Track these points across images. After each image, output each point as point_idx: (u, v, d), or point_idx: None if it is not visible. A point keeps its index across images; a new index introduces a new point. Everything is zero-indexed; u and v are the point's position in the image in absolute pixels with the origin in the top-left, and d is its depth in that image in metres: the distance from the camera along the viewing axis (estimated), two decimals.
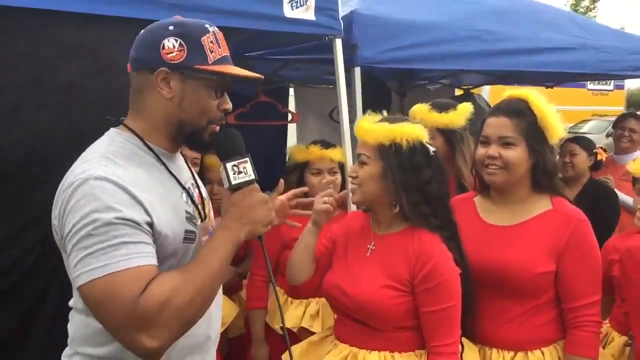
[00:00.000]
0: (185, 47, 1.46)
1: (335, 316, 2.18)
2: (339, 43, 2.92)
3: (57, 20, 2.04)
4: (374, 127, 1.95)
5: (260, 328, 2.93)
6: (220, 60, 1.50)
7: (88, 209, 1.34)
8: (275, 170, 5.22)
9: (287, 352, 2.14)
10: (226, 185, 1.50)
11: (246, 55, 3.65)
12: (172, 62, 1.46)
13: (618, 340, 2.44)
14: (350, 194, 2.05)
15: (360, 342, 1.97)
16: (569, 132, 15.18)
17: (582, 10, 30.04)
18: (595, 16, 30.54)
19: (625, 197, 3.95)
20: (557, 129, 2.07)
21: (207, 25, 1.51)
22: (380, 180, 1.94)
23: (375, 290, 1.91)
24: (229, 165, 1.49)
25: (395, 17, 3.27)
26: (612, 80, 16.60)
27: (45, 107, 2.05)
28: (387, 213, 2.01)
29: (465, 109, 2.80)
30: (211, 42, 1.49)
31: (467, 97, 5.46)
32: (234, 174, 1.48)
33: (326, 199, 2.09)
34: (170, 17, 2.20)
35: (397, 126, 1.95)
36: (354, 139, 3.01)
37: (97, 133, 2.11)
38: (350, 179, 2.01)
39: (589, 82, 16.14)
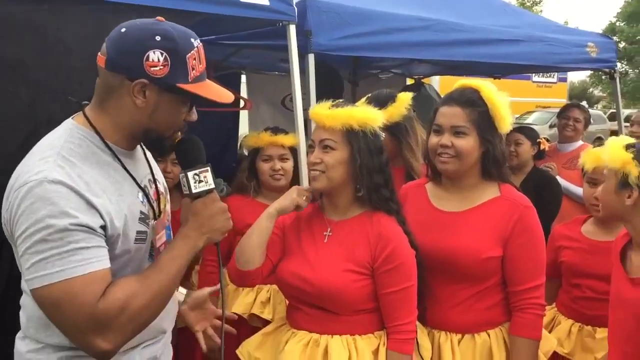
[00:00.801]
0: (170, 62, 1.42)
1: (288, 304, 2.16)
2: (292, 29, 2.91)
3: None
4: (339, 112, 1.95)
5: None
6: (199, 78, 1.49)
7: (42, 213, 1.32)
8: (226, 157, 5.19)
9: (241, 345, 2.16)
10: (186, 192, 1.53)
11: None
12: (154, 75, 1.42)
13: (564, 324, 2.52)
14: (313, 182, 2.00)
15: (320, 327, 1.97)
16: (514, 124, 15.58)
17: (528, 4, 30.86)
18: (541, 10, 31.42)
19: (568, 185, 4.08)
20: (506, 119, 2.11)
21: (192, 40, 1.47)
22: (347, 165, 1.95)
23: (338, 274, 1.93)
24: (190, 174, 1.52)
25: (349, 5, 3.27)
26: (556, 73, 17.15)
27: None
28: (346, 198, 2.02)
29: (404, 99, 2.74)
30: (194, 59, 1.46)
31: (418, 86, 5.56)
32: (195, 182, 1.51)
33: (305, 197, 2.04)
34: None
35: (362, 110, 1.99)
36: (307, 126, 3.03)
37: (49, 111, 2.05)
38: (312, 166, 1.97)
39: (533, 75, 16.61)
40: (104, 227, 1.40)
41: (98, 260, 1.37)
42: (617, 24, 30.33)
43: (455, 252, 2.06)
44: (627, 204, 1.97)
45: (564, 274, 2.57)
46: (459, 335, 2.10)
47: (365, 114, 1.98)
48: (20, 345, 1.53)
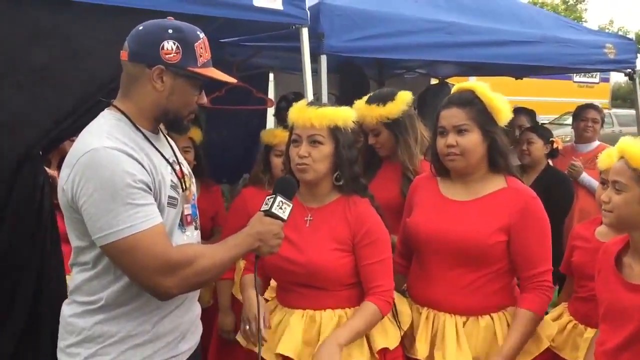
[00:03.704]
0: (181, 50, 1.71)
1: (278, 286, 2.35)
2: (305, 32, 3.06)
3: (31, 5, 2.16)
4: (326, 111, 2.16)
5: (227, 298, 3.14)
6: (206, 64, 1.77)
7: (107, 174, 1.58)
8: (254, 153, 5.40)
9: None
10: (265, 207, 1.84)
11: (221, 42, 3.80)
12: (169, 62, 1.70)
13: (564, 319, 2.58)
14: (301, 174, 2.17)
15: (312, 304, 2.17)
16: (552, 123, 15.25)
17: (572, 2, 30.15)
18: (585, 9, 30.64)
19: (594, 182, 4.13)
20: (504, 111, 2.25)
21: (198, 32, 1.77)
22: (331, 159, 2.17)
23: (325, 253, 2.14)
24: (279, 198, 1.85)
25: (361, 8, 3.40)
26: (598, 73, 16.81)
27: (21, 88, 2.19)
28: (326, 187, 2.24)
29: (403, 97, 2.82)
30: (201, 48, 1.75)
31: (442, 86, 5.65)
32: (277, 206, 1.83)
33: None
34: (144, 4, 2.40)
35: (342, 110, 2.22)
36: None
37: (73, 113, 2.29)
38: (300, 159, 2.15)
39: (574, 75, 16.32)
40: (151, 185, 1.66)
41: (157, 215, 1.65)
42: None
43: (463, 238, 2.19)
44: None
45: (574, 273, 2.62)
46: (464, 318, 2.23)
47: (346, 113, 2.20)
48: (65, 309, 1.79)
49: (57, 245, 2.36)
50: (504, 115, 2.26)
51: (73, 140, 2.82)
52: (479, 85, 2.29)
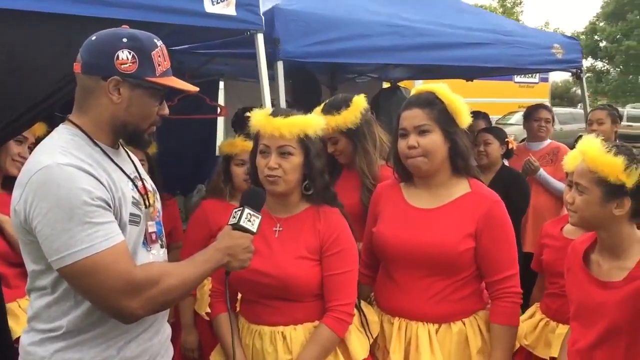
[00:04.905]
0: (138, 59, 1.61)
1: (242, 300, 2.25)
2: (260, 37, 2.98)
3: None
4: (296, 120, 2.09)
5: (189, 315, 3.03)
6: (165, 73, 1.67)
7: (62, 192, 1.47)
8: (207, 161, 5.30)
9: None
10: (233, 221, 1.78)
11: (172, 49, 3.67)
12: (125, 72, 1.60)
13: (536, 317, 2.60)
14: (271, 185, 2.09)
15: (283, 317, 2.10)
16: (497, 123, 15.63)
17: (509, 5, 31.10)
18: (521, 11, 31.68)
19: (549, 179, 4.23)
20: (464, 113, 2.24)
21: (155, 40, 1.67)
22: (301, 169, 2.11)
23: (295, 262, 2.08)
24: (247, 210, 1.79)
25: (316, 13, 3.37)
26: (538, 74, 17.34)
27: None
28: (296, 197, 2.18)
29: (358, 103, 2.75)
30: (159, 56, 1.66)
31: (394, 89, 5.68)
32: (245, 219, 1.77)
33: None
34: (92, 12, 2.29)
35: (311, 118, 2.15)
36: None
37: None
38: (270, 171, 2.07)
39: (515, 75, 16.79)
40: (110, 205, 1.56)
41: (117, 234, 1.54)
42: (598, 23, 30.65)
43: (431, 248, 2.16)
44: (617, 214, 1.85)
45: (545, 271, 2.65)
46: (436, 326, 2.20)
47: (315, 122, 2.14)
48: (24, 338, 1.68)
49: None
50: (464, 117, 2.24)
51: (16, 161, 2.70)
52: (439, 86, 2.27)
